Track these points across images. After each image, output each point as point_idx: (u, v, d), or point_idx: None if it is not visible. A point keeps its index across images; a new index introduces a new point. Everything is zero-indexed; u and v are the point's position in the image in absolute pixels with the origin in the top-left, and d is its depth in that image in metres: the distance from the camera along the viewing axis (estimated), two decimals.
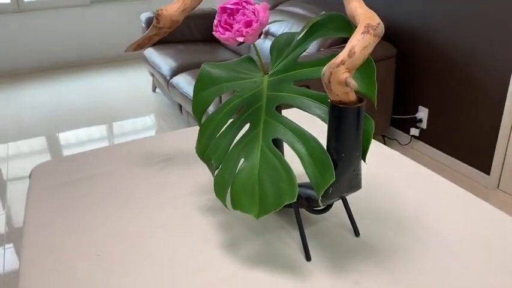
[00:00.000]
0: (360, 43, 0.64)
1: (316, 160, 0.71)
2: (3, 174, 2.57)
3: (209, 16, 3.63)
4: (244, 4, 0.70)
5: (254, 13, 0.69)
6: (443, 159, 2.51)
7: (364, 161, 0.75)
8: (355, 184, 0.75)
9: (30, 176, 1.12)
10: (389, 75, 2.46)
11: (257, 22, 0.69)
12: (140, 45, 0.96)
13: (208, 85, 0.88)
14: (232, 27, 0.70)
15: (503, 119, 2.14)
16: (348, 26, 0.77)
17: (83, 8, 4.38)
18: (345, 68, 0.64)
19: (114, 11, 4.51)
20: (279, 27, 2.75)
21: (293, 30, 2.63)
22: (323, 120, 0.75)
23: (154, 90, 3.80)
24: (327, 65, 0.65)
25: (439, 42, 2.37)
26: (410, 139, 2.70)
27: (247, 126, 0.81)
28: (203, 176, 1.06)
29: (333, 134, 0.70)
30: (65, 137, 3.05)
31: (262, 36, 2.91)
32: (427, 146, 2.60)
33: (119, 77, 4.20)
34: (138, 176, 1.07)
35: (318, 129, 0.95)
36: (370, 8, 2.77)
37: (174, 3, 0.91)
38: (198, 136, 0.87)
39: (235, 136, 0.82)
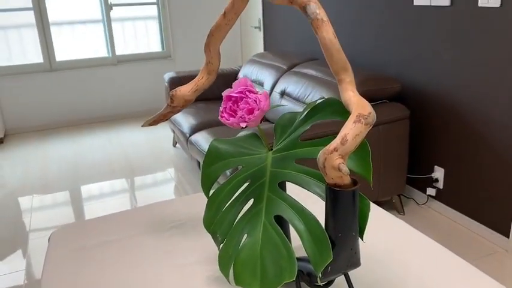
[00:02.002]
0: (352, 131, 0.69)
1: (314, 238, 0.74)
2: (26, 225, 2.65)
3: (229, 75, 3.78)
4: (247, 93, 0.76)
5: (256, 101, 0.75)
6: (461, 219, 2.48)
7: (362, 240, 0.78)
8: (353, 262, 0.77)
9: (49, 240, 1.17)
10: (404, 135, 2.49)
11: (258, 110, 0.75)
12: (156, 121, 1.04)
13: (216, 160, 0.93)
14: (236, 114, 0.76)
15: None
16: (343, 111, 0.82)
17: (111, 67, 4.62)
18: (338, 154, 0.68)
19: (139, 70, 4.74)
20: (295, 87, 2.85)
21: (308, 91, 2.72)
22: (322, 198, 0.79)
23: (174, 145, 3.91)
24: (322, 150, 0.70)
25: (453, 102, 2.41)
26: (427, 199, 2.68)
27: (251, 200, 0.86)
28: (212, 244, 1.10)
29: (330, 214, 0.73)
30: (87, 189, 3.15)
31: (278, 97, 3.01)
32: (445, 206, 2.58)
33: (142, 132, 4.35)
34: (149, 242, 1.11)
35: (321, 204, 0.99)
36: (383, 71, 2.85)
37: (187, 85, 0.99)
38: (206, 209, 0.91)
39: (240, 211, 0.86)
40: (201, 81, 0.98)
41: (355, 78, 2.50)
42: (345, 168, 0.67)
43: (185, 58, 4.87)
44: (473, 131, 2.32)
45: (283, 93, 2.98)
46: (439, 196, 2.61)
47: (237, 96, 0.77)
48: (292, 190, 0.92)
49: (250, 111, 0.75)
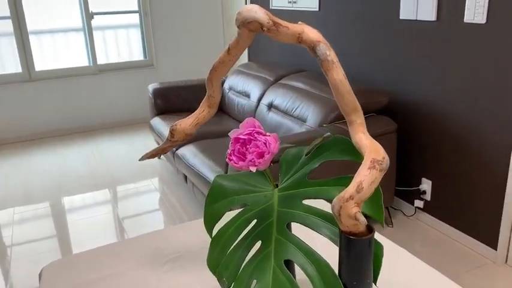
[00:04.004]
0: (367, 178, 0.68)
1: (328, 285, 0.72)
2: (5, 238, 2.56)
3: None
4: (256, 135, 0.74)
5: (266, 144, 0.73)
6: (449, 231, 2.50)
7: (376, 285, 0.76)
8: None
9: (40, 276, 1.13)
10: (392, 148, 2.51)
11: (269, 153, 0.73)
12: (154, 155, 1.00)
13: (220, 198, 0.91)
14: (245, 156, 0.74)
15: (507, 193, 2.16)
16: (352, 150, 0.81)
17: (92, 76, 4.53)
18: (354, 202, 0.67)
19: (121, 79, 4.66)
20: (283, 100, 2.83)
21: (296, 104, 2.70)
22: (333, 241, 0.77)
23: (159, 157, 3.86)
24: (337, 197, 0.68)
25: (439, 115, 2.43)
26: (415, 210, 2.70)
27: (258, 242, 0.83)
28: (213, 280, 1.06)
29: (345, 262, 0.71)
30: (69, 201, 3.08)
31: (265, 109, 3.00)
32: (432, 217, 2.60)
33: (125, 143, 4.27)
34: (146, 278, 1.08)
35: (330, 245, 0.97)
36: (370, 84, 2.86)
37: (187, 118, 0.96)
38: (210, 249, 0.89)
39: (247, 254, 0.83)
40: (202, 115, 0.95)
41: None
42: (362, 218, 0.65)
43: (168, 66, 4.82)
44: (460, 144, 2.35)
45: (270, 106, 2.97)
46: (427, 208, 2.63)
47: (245, 139, 0.75)
48: (298, 227, 0.89)
49: (260, 155, 0.73)
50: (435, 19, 2.35)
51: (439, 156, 2.49)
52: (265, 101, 3.03)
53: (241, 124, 0.77)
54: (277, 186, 0.89)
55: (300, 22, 0.77)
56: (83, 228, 2.74)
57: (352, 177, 0.83)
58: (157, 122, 3.43)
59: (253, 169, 0.74)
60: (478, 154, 2.26)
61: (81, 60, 4.51)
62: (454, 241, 2.46)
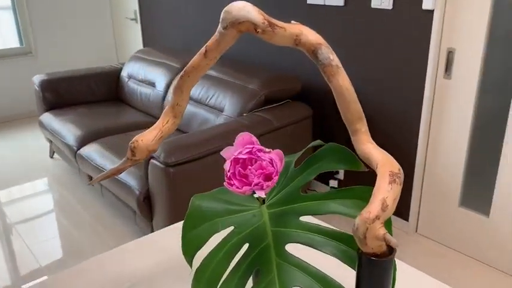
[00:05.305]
0: (391, 194, 0.62)
1: None
2: None
3: (110, 74, 3.44)
4: (258, 153, 0.64)
5: (272, 164, 0.64)
6: None
7: None
8: None
9: None
10: (308, 134, 2.54)
11: (277, 175, 0.64)
12: (108, 177, 0.84)
13: (200, 222, 0.79)
14: (248, 179, 0.64)
15: (416, 164, 2.33)
16: (352, 159, 0.76)
17: None
18: (380, 222, 0.61)
19: None
20: (195, 89, 2.70)
21: (210, 93, 2.59)
22: (341, 260, 0.72)
23: (52, 156, 3.45)
24: (361, 219, 0.62)
25: None
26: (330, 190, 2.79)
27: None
28: None
29: (365, 284, 0.66)
30: None
31: None
32: None
33: (9, 141, 3.75)
34: None
35: (336, 264, 0.91)
36: (283, 71, 2.85)
37: (149, 132, 0.82)
38: (193, 284, 0.77)
39: (243, 286, 0.74)
40: (166, 126, 0.82)
41: (257, 79, 2.46)
42: (394, 240, 0.60)
43: (50, 54, 4.31)
44: (370, 123, 2.47)
45: None
46: (341, 187, 2.74)
47: (245, 158, 0.64)
48: (295, 246, 0.82)
49: (268, 177, 0.64)
50: (343, 4, 2.40)
51: (348, 136, 2.59)
52: None
53: (236, 141, 0.67)
54: (264, 202, 0.80)
55: (293, 21, 0.68)
56: None
57: (352, 188, 0.78)
58: (49, 118, 3.05)
59: (261, 194, 0.64)
60: (388, 132, 2.40)
61: None
62: None
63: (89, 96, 3.34)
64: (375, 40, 2.31)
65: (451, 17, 2.03)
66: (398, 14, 2.18)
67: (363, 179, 2.59)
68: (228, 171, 0.65)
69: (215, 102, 2.53)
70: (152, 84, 3.08)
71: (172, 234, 1.18)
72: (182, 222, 1.21)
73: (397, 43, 2.22)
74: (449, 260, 2.25)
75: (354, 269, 0.70)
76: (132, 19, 4.17)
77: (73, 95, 3.27)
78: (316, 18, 2.56)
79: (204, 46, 0.72)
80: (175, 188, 1.96)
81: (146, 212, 2.15)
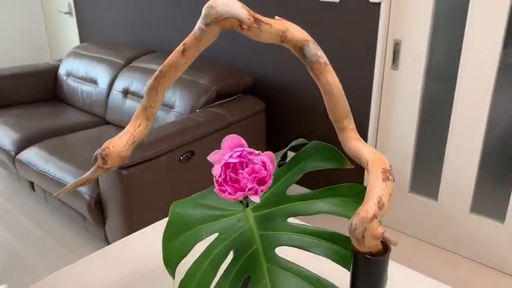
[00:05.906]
0: (385, 192, 0.62)
1: None
2: None
3: (47, 72, 3.23)
4: (248, 156, 0.61)
5: (265, 167, 0.61)
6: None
7: None
8: None
9: None
10: (262, 128, 2.53)
11: (270, 178, 0.61)
12: (76, 187, 0.77)
13: (182, 230, 0.75)
14: (239, 184, 0.60)
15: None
16: (338, 157, 0.74)
17: None
18: (377, 221, 0.61)
19: None
20: (142, 85, 2.59)
21: None
22: (334, 260, 0.70)
23: None
24: (358, 218, 0.61)
25: (299, 90, 2.54)
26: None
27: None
28: None
29: (360, 283, 0.65)
30: None
31: (121, 96, 2.71)
32: (300, 187, 2.75)
33: None
34: None
35: (326, 263, 0.90)
36: (233, 63, 2.81)
37: (120, 137, 0.76)
38: None
39: None
40: (138, 130, 0.76)
41: (208, 74, 2.41)
42: (393, 240, 0.59)
43: None
44: (319, 114, 2.50)
45: (126, 92, 2.69)
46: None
47: (236, 162, 0.61)
48: (282, 249, 0.80)
49: (262, 182, 0.61)
50: None
51: (299, 128, 2.62)
52: (119, 87, 2.73)
53: (223, 144, 0.63)
54: (248, 205, 0.77)
55: (277, 17, 0.65)
56: None
57: (339, 186, 0.77)
58: None
59: (255, 199, 0.61)
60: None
61: None
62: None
63: (24, 96, 3.12)
64: (323, 33, 2.34)
65: (397, 9, 2.09)
66: (345, 7, 2.22)
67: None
68: (219, 176, 0.61)
69: (164, 99, 2.44)
70: (94, 82, 2.93)
71: (139, 242, 1.12)
72: (143, 229, 1.15)
73: (345, 36, 2.26)
74: (401, 244, 2.34)
75: (346, 268, 0.70)
76: (66, 13, 3.93)
77: (6, 95, 3.03)
78: (261, 11, 2.54)
79: (182, 44, 0.67)
80: (129, 191, 1.88)
81: (98, 217, 2.04)
